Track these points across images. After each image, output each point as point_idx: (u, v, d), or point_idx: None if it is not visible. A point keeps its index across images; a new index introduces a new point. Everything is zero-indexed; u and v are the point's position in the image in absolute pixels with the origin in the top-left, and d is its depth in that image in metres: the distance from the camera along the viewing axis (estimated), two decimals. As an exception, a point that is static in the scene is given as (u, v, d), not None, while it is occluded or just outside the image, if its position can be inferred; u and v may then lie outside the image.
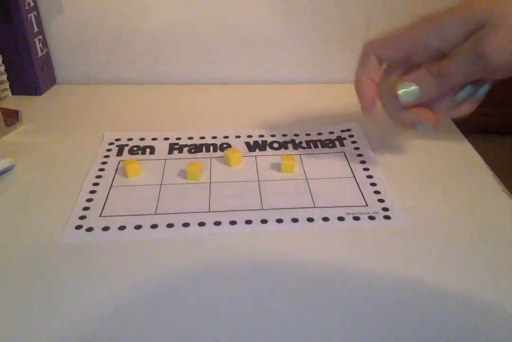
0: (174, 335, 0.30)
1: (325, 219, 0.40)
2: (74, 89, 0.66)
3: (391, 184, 0.44)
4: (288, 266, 0.36)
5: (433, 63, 0.39)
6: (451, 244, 0.38)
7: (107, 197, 0.43)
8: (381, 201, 0.42)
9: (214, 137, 0.52)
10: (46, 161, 0.49)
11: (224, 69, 0.68)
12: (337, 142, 0.51)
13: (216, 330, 0.31)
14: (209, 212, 0.41)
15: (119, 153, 0.50)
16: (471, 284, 0.34)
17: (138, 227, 0.39)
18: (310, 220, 0.40)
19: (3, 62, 0.60)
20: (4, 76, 0.61)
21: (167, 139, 0.52)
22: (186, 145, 0.51)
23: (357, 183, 0.45)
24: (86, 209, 0.41)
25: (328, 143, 0.51)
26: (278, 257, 0.37)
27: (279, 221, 0.40)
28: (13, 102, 0.62)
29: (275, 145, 0.51)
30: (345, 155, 0.49)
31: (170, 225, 0.39)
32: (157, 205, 0.42)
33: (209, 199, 0.42)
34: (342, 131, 0.54)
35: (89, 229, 0.39)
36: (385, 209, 0.41)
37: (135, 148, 0.50)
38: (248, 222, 0.40)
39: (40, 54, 0.63)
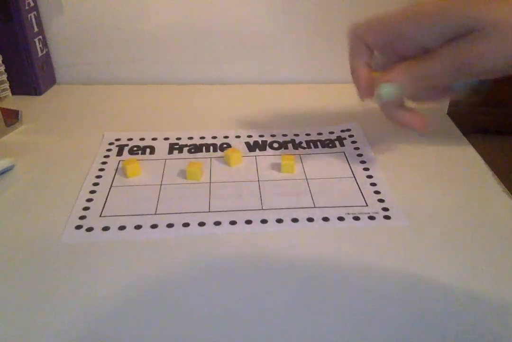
0: (174, 335, 0.30)
1: (325, 219, 0.40)
2: (74, 89, 0.66)
3: (391, 184, 0.44)
4: (288, 266, 0.36)
5: (414, 61, 0.39)
6: (451, 244, 0.38)
7: (107, 197, 0.43)
8: (381, 201, 0.42)
9: (214, 137, 0.52)
10: (46, 161, 0.49)
11: (224, 69, 0.68)
12: (337, 142, 0.51)
13: (216, 330, 0.31)
14: (209, 212, 0.41)
15: (119, 153, 0.50)
16: (471, 284, 0.34)
17: (138, 227, 0.39)
18: (310, 220, 0.40)
19: (3, 62, 0.60)
20: (4, 76, 0.61)
21: (167, 139, 0.52)
22: (186, 145, 0.51)
23: (357, 183, 0.45)
24: (86, 209, 0.41)
25: (328, 143, 0.51)
26: (278, 257, 0.37)
27: (279, 221, 0.40)
28: (13, 102, 0.62)
29: (275, 145, 0.51)
30: (345, 155, 0.49)
31: (170, 225, 0.39)
32: (157, 205, 0.42)
33: (209, 199, 0.42)
34: (342, 131, 0.54)
35: (89, 229, 0.39)
36: (385, 209, 0.41)
37: (135, 148, 0.50)
38: (248, 222, 0.40)
39: (40, 54, 0.63)
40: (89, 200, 0.42)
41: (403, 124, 0.43)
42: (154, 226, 0.39)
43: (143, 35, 0.65)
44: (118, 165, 0.47)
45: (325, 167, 0.47)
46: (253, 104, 0.61)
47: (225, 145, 0.51)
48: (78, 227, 0.39)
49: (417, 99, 0.43)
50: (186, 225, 0.39)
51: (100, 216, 0.40)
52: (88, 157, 0.49)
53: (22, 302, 0.32)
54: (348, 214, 0.40)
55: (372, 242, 0.38)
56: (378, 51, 0.42)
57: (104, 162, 0.48)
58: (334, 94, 0.63)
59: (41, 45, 0.63)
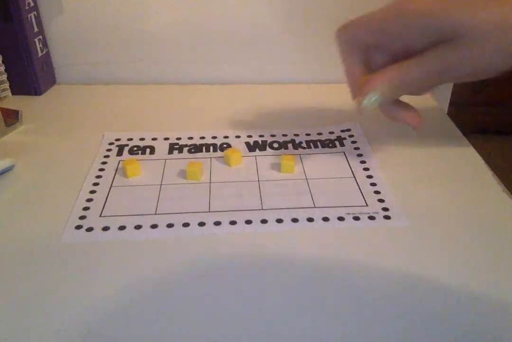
0: (174, 335, 0.30)
1: (325, 219, 0.40)
2: (74, 89, 0.66)
3: (391, 184, 0.44)
4: (288, 266, 0.36)
5: (395, 68, 0.39)
6: (451, 243, 0.38)
7: (107, 197, 0.43)
8: (381, 201, 0.42)
9: (214, 137, 0.52)
10: (46, 161, 0.49)
11: (224, 69, 0.68)
12: (337, 142, 0.51)
13: (216, 330, 0.31)
14: (209, 212, 0.41)
15: (119, 153, 0.50)
16: (471, 284, 0.34)
17: (138, 227, 0.39)
18: (310, 220, 0.40)
19: (3, 62, 0.60)
20: (4, 76, 0.61)
21: (167, 139, 0.52)
22: (186, 145, 0.51)
23: (357, 183, 0.45)
24: (86, 209, 0.41)
25: (328, 143, 0.51)
26: (278, 257, 0.37)
27: (279, 221, 0.40)
28: (13, 102, 0.62)
29: (275, 145, 0.51)
30: (345, 155, 0.49)
31: (170, 225, 0.39)
32: (157, 205, 0.42)
33: (209, 199, 0.42)
34: (342, 131, 0.54)
35: (89, 229, 0.39)
36: (385, 209, 0.41)
37: (135, 148, 0.50)
38: (248, 222, 0.40)
39: (40, 54, 0.63)
40: (89, 200, 0.42)
41: (398, 120, 0.43)
42: (154, 226, 0.39)
43: (143, 35, 0.65)
44: (118, 165, 0.47)
45: (325, 167, 0.47)
46: (253, 104, 0.61)
47: (225, 145, 0.51)
48: (78, 227, 0.39)
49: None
50: (186, 225, 0.39)
51: (100, 216, 0.40)
52: (88, 157, 0.49)
53: (22, 302, 0.32)
54: (348, 214, 0.40)
55: (372, 242, 0.38)
56: (370, 49, 0.42)
57: (104, 162, 0.48)
58: (334, 94, 0.63)
59: (41, 45, 0.63)
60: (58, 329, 0.30)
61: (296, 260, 0.36)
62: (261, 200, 0.42)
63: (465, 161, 0.48)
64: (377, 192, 0.43)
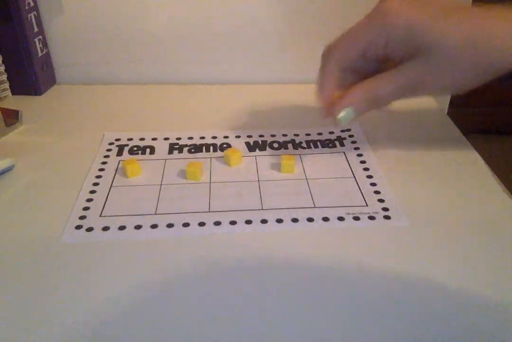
0: (174, 334, 0.30)
1: (325, 219, 0.40)
2: (74, 89, 0.66)
3: (391, 184, 0.44)
4: (288, 266, 0.36)
5: (366, 83, 0.41)
6: (451, 244, 0.38)
7: (107, 197, 0.43)
8: (381, 201, 0.42)
9: (214, 137, 0.52)
10: (46, 161, 0.49)
11: (224, 69, 0.68)
12: (337, 142, 0.51)
13: (216, 330, 0.31)
14: (209, 212, 0.41)
15: (119, 153, 0.50)
16: (471, 284, 0.34)
17: (138, 227, 0.39)
18: (310, 220, 0.40)
19: (3, 62, 0.60)
20: (4, 76, 0.61)
21: (167, 139, 0.52)
22: (186, 145, 0.51)
23: (357, 183, 0.45)
24: (86, 209, 0.41)
25: (328, 143, 0.51)
26: (278, 257, 0.37)
27: (279, 221, 0.40)
28: (13, 102, 0.62)
29: (275, 145, 0.51)
30: (345, 155, 0.49)
31: (170, 225, 0.39)
32: (157, 205, 0.42)
33: (209, 199, 0.42)
34: (342, 131, 0.54)
35: (89, 229, 0.39)
36: (385, 209, 0.41)
37: (135, 148, 0.50)
38: (248, 222, 0.40)
39: (40, 54, 0.63)
40: (89, 200, 0.42)
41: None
42: (154, 226, 0.39)
43: (143, 35, 0.65)
44: (118, 165, 0.47)
45: (325, 167, 0.47)
46: (253, 104, 0.61)
47: (225, 145, 0.51)
48: (78, 227, 0.39)
49: None
50: (186, 225, 0.39)
51: (100, 216, 0.40)
52: (88, 157, 0.49)
53: (22, 302, 0.32)
54: (348, 214, 0.40)
55: (372, 242, 0.38)
56: (347, 66, 0.43)
57: (104, 162, 0.48)
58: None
59: (41, 45, 0.63)
60: (58, 329, 0.30)
61: (296, 260, 0.36)
62: (261, 200, 0.42)
63: (465, 161, 0.48)
64: (377, 192, 0.43)
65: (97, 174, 0.46)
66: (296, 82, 0.67)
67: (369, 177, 0.46)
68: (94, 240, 0.38)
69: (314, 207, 0.41)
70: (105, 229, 0.39)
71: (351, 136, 0.52)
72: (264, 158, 0.49)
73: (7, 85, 0.62)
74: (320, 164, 0.48)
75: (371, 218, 0.40)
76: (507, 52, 0.37)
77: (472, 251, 0.37)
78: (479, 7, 0.39)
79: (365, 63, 0.42)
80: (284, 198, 0.42)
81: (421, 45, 0.38)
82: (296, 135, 0.53)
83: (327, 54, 0.43)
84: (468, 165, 0.47)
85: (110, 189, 0.44)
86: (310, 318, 0.31)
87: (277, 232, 0.39)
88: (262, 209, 0.41)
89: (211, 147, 0.50)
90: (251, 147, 0.51)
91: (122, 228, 0.39)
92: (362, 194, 0.43)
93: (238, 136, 0.53)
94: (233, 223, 0.40)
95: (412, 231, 0.39)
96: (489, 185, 0.45)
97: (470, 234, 0.39)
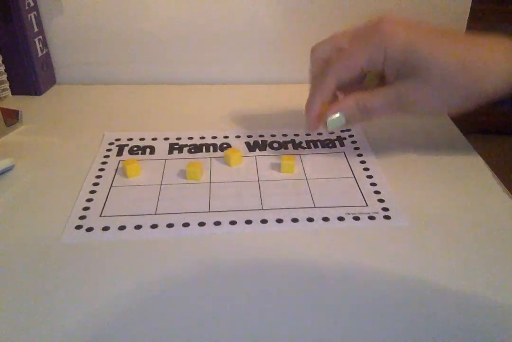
0: (174, 334, 0.30)
1: (325, 219, 0.40)
2: (74, 89, 0.66)
3: (391, 184, 0.44)
4: (288, 266, 0.36)
5: (361, 95, 0.42)
6: (451, 244, 0.38)
7: (107, 197, 0.43)
8: (381, 201, 0.42)
9: (214, 137, 0.52)
10: (46, 161, 0.49)
11: (224, 69, 0.68)
12: (337, 142, 0.51)
13: (216, 330, 0.31)
14: (209, 212, 0.41)
15: (119, 153, 0.50)
16: (471, 284, 0.34)
17: (138, 227, 0.39)
18: (310, 220, 0.40)
19: (3, 62, 0.60)
20: (4, 76, 0.61)
21: (167, 139, 0.52)
22: (186, 145, 0.51)
23: (357, 183, 0.45)
24: (86, 209, 0.41)
25: (328, 143, 0.51)
26: (278, 257, 0.37)
27: (279, 221, 0.40)
28: (13, 102, 0.62)
29: (275, 145, 0.51)
30: (345, 155, 0.49)
31: (170, 225, 0.39)
32: (157, 205, 0.42)
33: (209, 199, 0.42)
34: (342, 131, 0.54)
35: (89, 229, 0.39)
36: (385, 209, 0.41)
37: (135, 148, 0.50)
38: (248, 222, 0.40)
39: (40, 54, 0.63)
40: (89, 200, 0.42)
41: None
42: (154, 226, 0.39)
43: (143, 35, 0.65)
44: (118, 165, 0.47)
45: (325, 167, 0.47)
46: (253, 104, 0.61)
47: (225, 145, 0.51)
48: (78, 227, 0.39)
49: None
50: (186, 225, 0.39)
51: (100, 216, 0.40)
52: (88, 157, 0.49)
53: (22, 302, 0.32)
54: (348, 214, 0.40)
55: (372, 242, 0.38)
56: (343, 83, 0.44)
57: (104, 162, 0.48)
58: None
59: (41, 45, 0.63)
60: (58, 329, 0.30)
61: (296, 260, 0.36)
62: (261, 200, 0.42)
63: (465, 161, 0.48)
64: (377, 192, 0.43)
65: (97, 174, 0.46)
66: (296, 82, 0.67)
67: (369, 177, 0.46)
68: (94, 240, 0.38)
69: (314, 207, 0.41)
70: (105, 229, 0.39)
71: (351, 136, 0.52)
72: (264, 158, 0.49)
73: (7, 85, 0.62)
74: (320, 165, 0.48)
75: (371, 218, 0.40)
76: (498, 78, 0.39)
77: (472, 251, 0.37)
78: (471, 33, 0.41)
79: (360, 77, 0.44)
80: (284, 198, 0.42)
81: (415, 66, 0.40)
82: (296, 135, 0.53)
83: (323, 74, 0.44)
84: (468, 165, 0.47)
85: (110, 189, 0.44)
86: (310, 318, 0.31)
87: (277, 232, 0.39)
88: (262, 209, 0.41)
89: (211, 147, 0.50)
90: (251, 147, 0.51)
91: (122, 228, 0.39)
92: (362, 194, 0.43)
93: (238, 136, 0.53)
94: (233, 223, 0.40)
95: (412, 231, 0.39)
96: (489, 185, 0.45)
97: (470, 234, 0.39)
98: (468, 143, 0.51)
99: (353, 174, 0.46)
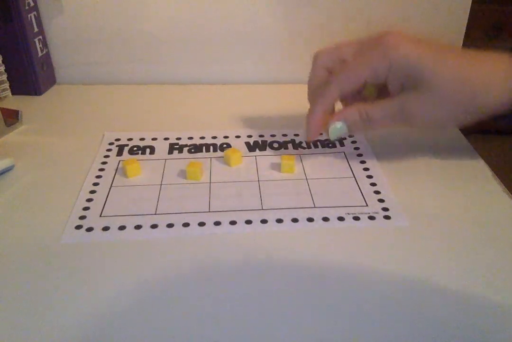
0: (174, 334, 0.30)
1: (325, 219, 0.40)
2: (74, 89, 0.66)
3: (391, 184, 0.44)
4: (288, 266, 0.36)
5: (364, 105, 0.43)
6: (451, 244, 0.38)
7: (107, 197, 0.43)
8: (381, 201, 0.42)
9: (214, 137, 0.52)
10: (46, 161, 0.49)
11: (224, 69, 0.68)
12: (337, 142, 0.51)
13: (216, 330, 0.31)
14: (209, 212, 0.41)
15: (119, 153, 0.50)
16: (471, 284, 0.34)
17: (138, 227, 0.39)
18: (310, 220, 0.40)
19: (3, 62, 0.60)
20: (4, 76, 0.61)
21: (167, 139, 0.52)
22: (186, 145, 0.51)
23: (357, 183, 0.45)
24: (86, 209, 0.41)
25: (328, 143, 0.51)
26: (278, 257, 0.37)
27: (279, 221, 0.40)
28: (13, 102, 0.62)
29: (275, 145, 0.51)
30: (345, 155, 0.49)
31: (170, 225, 0.39)
32: (157, 205, 0.42)
33: (209, 199, 0.42)
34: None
35: (89, 229, 0.39)
36: (385, 209, 0.41)
37: (135, 148, 0.50)
38: (248, 222, 0.40)
39: (40, 54, 0.63)
40: (89, 200, 0.42)
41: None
42: (154, 226, 0.39)
43: (143, 35, 0.65)
44: (118, 165, 0.47)
45: (325, 167, 0.47)
46: (253, 104, 0.61)
47: (225, 145, 0.51)
48: (78, 227, 0.39)
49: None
50: (186, 225, 0.39)
51: (100, 216, 0.40)
52: (88, 157, 0.49)
53: (22, 302, 0.32)
54: (348, 214, 0.40)
55: (372, 241, 0.38)
56: (346, 94, 0.44)
57: (104, 162, 0.48)
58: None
59: (41, 45, 0.63)
60: (58, 329, 0.30)
61: (296, 260, 0.36)
62: (261, 200, 0.42)
63: (465, 161, 0.48)
64: (377, 192, 0.43)
65: (97, 174, 0.46)
66: (296, 82, 0.67)
67: (369, 177, 0.46)
68: (94, 240, 0.38)
69: (314, 207, 0.41)
70: (105, 229, 0.39)
71: (351, 136, 0.52)
72: (264, 158, 0.49)
73: (7, 85, 0.62)
74: (320, 165, 0.48)
75: (371, 218, 0.40)
76: (499, 94, 0.39)
77: (472, 251, 0.37)
78: (471, 50, 0.41)
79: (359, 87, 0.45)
80: (284, 198, 0.42)
81: (418, 80, 0.40)
82: (296, 135, 0.53)
83: (327, 85, 0.44)
84: (468, 165, 0.47)
85: (110, 189, 0.44)
86: (310, 318, 0.31)
87: (277, 232, 0.39)
88: (262, 209, 0.41)
89: (211, 147, 0.50)
90: (251, 147, 0.51)
91: (122, 228, 0.39)
92: (362, 194, 0.43)
93: (238, 136, 0.53)
94: (233, 223, 0.40)
95: (412, 231, 0.39)
96: (489, 185, 0.45)
97: (470, 234, 0.39)
98: (468, 144, 0.51)
99: (353, 174, 0.46)
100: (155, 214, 0.41)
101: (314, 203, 0.42)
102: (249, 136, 0.53)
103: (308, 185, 0.44)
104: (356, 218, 0.40)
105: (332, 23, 0.64)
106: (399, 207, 0.41)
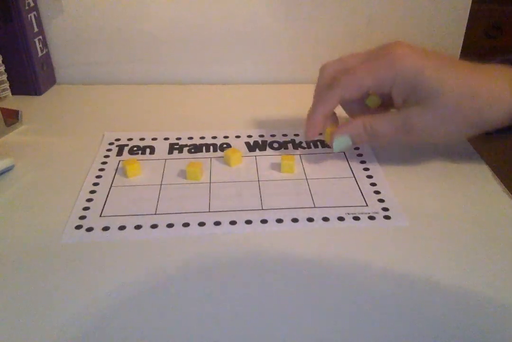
0: (174, 334, 0.30)
1: (325, 219, 0.40)
2: (74, 89, 0.66)
3: (391, 184, 0.44)
4: (288, 266, 0.36)
5: (368, 118, 0.43)
6: (451, 244, 0.38)
7: (107, 197, 0.43)
8: (381, 201, 0.42)
9: (214, 137, 0.52)
10: (46, 161, 0.49)
11: (224, 69, 0.68)
12: (337, 142, 0.51)
13: (216, 330, 0.31)
14: (209, 212, 0.41)
15: (119, 153, 0.50)
16: (471, 284, 0.34)
17: (138, 227, 0.39)
18: (310, 220, 0.40)
19: (3, 62, 0.60)
20: (4, 76, 0.61)
21: (167, 139, 0.52)
22: (186, 145, 0.51)
23: (357, 183, 0.45)
24: (86, 209, 0.41)
25: (328, 144, 0.51)
26: (278, 257, 0.37)
27: (279, 221, 0.40)
28: (13, 102, 0.62)
29: (275, 145, 0.51)
30: (345, 155, 0.49)
31: (170, 225, 0.39)
32: (157, 205, 0.42)
33: (209, 199, 0.42)
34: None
35: (89, 229, 0.39)
36: (385, 209, 0.41)
37: (135, 148, 0.50)
38: (248, 222, 0.40)
39: (40, 54, 0.63)
40: (89, 200, 0.42)
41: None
42: (154, 226, 0.39)
43: (143, 35, 0.65)
44: (118, 165, 0.47)
45: (325, 167, 0.47)
46: (253, 104, 0.61)
47: (225, 145, 0.51)
48: (78, 227, 0.39)
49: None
50: (186, 225, 0.39)
51: (100, 216, 0.40)
52: (88, 157, 0.49)
53: (22, 302, 0.32)
54: (348, 214, 0.40)
55: (372, 242, 0.38)
56: (347, 100, 0.45)
57: (104, 162, 0.48)
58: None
59: (41, 45, 0.63)
60: (58, 329, 0.30)
61: (296, 260, 0.36)
62: (261, 200, 0.42)
63: (465, 161, 0.48)
64: (377, 192, 0.43)
65: (97, 174, 0.46)
66: (296, 82, 0.67)
67: (369, 177, 0.46)
68: (94, 240, 0.38)
69: (314, 207, 0.41)
70: (105, 229, 0.39)
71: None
72: (264, 158, 0.49)
73: (7, 85, 0.62)
74: (320, 164, 0.48)
75: (371, 218, 0.40)
76: (504, 108, 0.39)
77: (472, 251, 0.37)
78: (477, 64, 0.41)
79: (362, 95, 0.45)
80: (284, 198, 0.42)
81: (423, 93, 0.40)
82: (296, 135, 0.53)
83: (330, 88, 0.44)
84: (468, 165, 0.47)
85: (110, 189, 0.44)
86: (310, 318, 0.31)
87: (277, 232, 0.39)
88: (262, 209, 0.41)
89: (211, 147, 0.50)
90: (251, 147, 0.51)
91: (122, 228, 0.39)
92: (362, 194, 0.43)
93: (238, 136, 0.53)
94: (233, 223, 0.40)
95: (412, 231, 0.39)
96: (489, 185, 0.45)
97: (470, 234, 0.39)
98: (468, 144, 0.51)
99: (353, 174, 0.46)
100: (155, 214, 0.41)
101: (314, 203, 0.42)
102: (249, 136, 0.53)
103: (308, 185, 0.44)
104: (356, 218, 0.40)
105: (333, 23, 0.64)
106: (399, 207, 0.41)
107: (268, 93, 0.65)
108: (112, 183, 0.45)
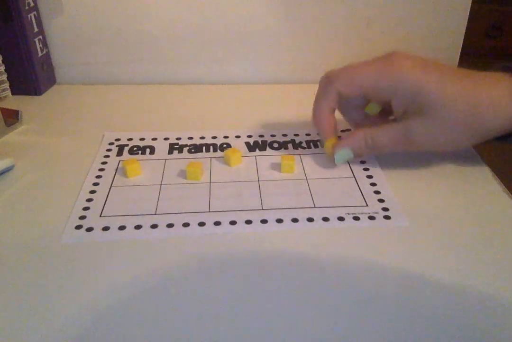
0: (174, 334, 0.30)
1: (325, 219, 0.40)
2: (74, 89, 0.66)
3: (391, 183, 0.44)
4: (288, 266, 0.36)
5: (368, 131, 0.44)
6: (451, 244, 0.38)
7: (107, 197, 0.43)
8: (381, 201, 0.42)
9: (214, 137, 0.52)
10: (46, 161, 0.49)
11: (224, 69, 0.68)
12: (337, 142, 0.51)
13: (216, 330, 0.31)
14: (209, 212, 0.41)
15: (119, 153, 0.50)
16: (471, 284, 0.34)
17: (138, 227, 0.39)
18: (310, 220, 0.40)
19: (3, 62, 0.60)
20: (4, 76, 0.61)
21: (167, 139, 0.52)
22: (186, 145, 0.51)
23: (357, 183, 0.45)
24: (86, 209, 0.41)
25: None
26: (278, 257, 0.37)
27: (279, 221, 0.40)
28: (13, 102, 0.62)
29: (275, 145, 0.51)
30: (345, 155, 0.49)
31: (170, 225, 0.39)
32: (157, 205, 0.42)
33: (209, 199, 0.42)
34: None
35: (89, 229, 0.39)
36: (385, 209, 0.41)
37: (135, 148, 0.50)
38: (248, 222, 0.40)
39: (40, 54, 0.63)
40: (89, 200, 0.42)
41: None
42: (154, 226, 0.39)
43: (143, 35, 0.65)
44: (118, 165, 0.47)
45: (325, 167, 0.47)
46: (253, 104, 0.61)
47: (225, 145, 0.51)
48: (78, 227, 0.39)
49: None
50: (186, 225, 0.39)
51: (100, 216, 0.40)
52: (88, 157, 0.49)
53: (22, 302, 0.32)
54: (348, 214, 0.40)
55: (372, 242, 0.38)
56: (344, 99, 0.45)
57: (104, 162, 0.48)
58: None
59: (41, 45, 0.63)
60: (58, 329, 0.30)
61: (296, 260, 0.36)
62: (261, 200, 0.42)
63: (465, 161, 0.48)
64: (377, 192, 0.43)
65: (97, 174, 0.46)
66: (296, 82, 0.67)
67: (369, 177, 0.46)
68: (94, 240, 0.38)
69: (314, 207, 0.41)
70: (105, 229, 0.39)
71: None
72: (264, 158, 0.49)
73: (7, 85, 0.62)
74: (320, 165, 0.48)
75: (371, 218, 0.40)
76: (503, 117, 0.40)
77: (472, 251, 0.37)
78: (478, 73, 0.41)
79: (361, 101, 0.46)
80: (284, 198, 0.42)
81: (424, 105, 0.40)
82: (296, 135, 0.53)
83: (328, 82, 0.44)
84: (468, 165, 0.47)
85: (110, 189, 0.44)
86: (310, 317, 0.31)
87: (277, 232, 0.39)
88: (262, 209, 0.41)
89: (211, 147, 0.50)
90: (251, 147, 0.51)
91: (122, 228, 0.39)
92: (362, 194, 0.43)
93: (238, 136, 0.53)
94: (233, 223, 0.40)
95: (412, 231, 0.39)
96: (489, 185, 0.45)
97: (470, 234, 0.39)
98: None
99: (353, 174, 0.46)
100: (155, 214, 0.41)
101: (314, 203, 0.42)
102: (249, 136, 0.53)
103: (308, 185, 0.44)
104: (356, 218, 0.40)
105: (333, 23, 0.64)
106: (399, 207, 0.41)
107: (268, 93, 0.65)
108: (112, 183, 0.45)
